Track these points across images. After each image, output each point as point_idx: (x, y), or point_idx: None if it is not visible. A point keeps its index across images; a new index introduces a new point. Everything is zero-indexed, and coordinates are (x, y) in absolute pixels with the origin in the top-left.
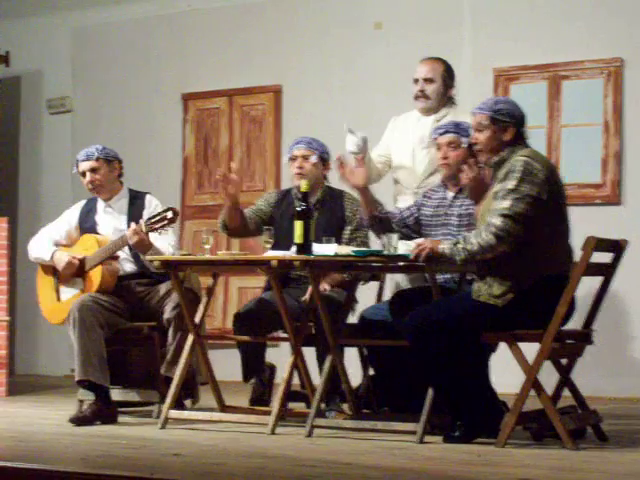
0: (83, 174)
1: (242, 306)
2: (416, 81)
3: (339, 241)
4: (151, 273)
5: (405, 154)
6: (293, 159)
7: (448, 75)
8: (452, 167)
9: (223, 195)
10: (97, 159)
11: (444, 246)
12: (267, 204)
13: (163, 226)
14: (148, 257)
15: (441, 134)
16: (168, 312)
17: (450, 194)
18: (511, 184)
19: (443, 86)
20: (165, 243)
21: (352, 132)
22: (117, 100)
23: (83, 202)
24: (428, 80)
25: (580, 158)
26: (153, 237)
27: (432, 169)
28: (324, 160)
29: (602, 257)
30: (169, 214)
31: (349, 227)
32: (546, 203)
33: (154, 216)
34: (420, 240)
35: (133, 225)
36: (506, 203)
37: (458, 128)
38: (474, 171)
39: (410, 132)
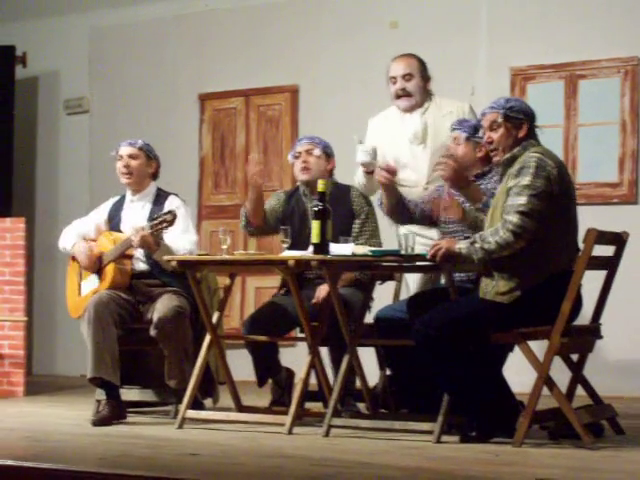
0: (120, 158)
1: (251, 313)
2: (393, 80)
3: (349, 235)
4: (160, 274)
5: (402, 153)
6: (297, 156)
7: (424, 68)
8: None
9: (250, 182)
10: (140, 148)
11: (461, 246)
12: (278, 203)
13: (161, 228)
14: (166, 257)
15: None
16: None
17: None
18: (526, 180)
19: (422, 80)
20: (184, 241)
21: (362, 143)
22: (134, 100)
23: (117, 198)
24: (407, 76)
25: (597, 157)
26: (172, 236)
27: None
28: (328, 155)
29: (609, 251)
30: (168, 217)
31: (357, 221)
32: (557, 199)
33: (156, 217)
34: (436, 239)
35: (137, 224)
36: (522, 199)
37: (461, 125)
38: (449, 165)
39: (399, 130)
